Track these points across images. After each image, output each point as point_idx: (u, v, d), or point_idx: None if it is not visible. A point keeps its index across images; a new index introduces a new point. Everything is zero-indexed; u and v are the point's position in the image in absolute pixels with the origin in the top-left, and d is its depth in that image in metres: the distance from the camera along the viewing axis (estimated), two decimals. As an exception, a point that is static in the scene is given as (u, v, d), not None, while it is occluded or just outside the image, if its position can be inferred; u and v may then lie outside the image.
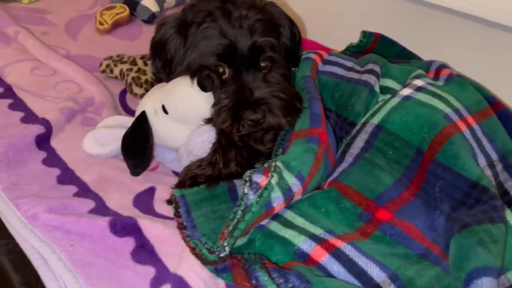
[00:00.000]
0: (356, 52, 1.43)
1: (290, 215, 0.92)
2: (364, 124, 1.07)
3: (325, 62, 1.21)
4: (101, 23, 1.74)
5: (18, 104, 1.27)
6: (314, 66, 1.18)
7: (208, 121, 1.01)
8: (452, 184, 0.91)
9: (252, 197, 0.81)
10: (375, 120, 1.05)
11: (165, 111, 1.01)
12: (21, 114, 1.23)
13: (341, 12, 1.70)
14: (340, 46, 1.61)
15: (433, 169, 0.95)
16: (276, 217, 0.91)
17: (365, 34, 1.41)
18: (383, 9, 1.60)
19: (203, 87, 0.98)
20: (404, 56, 1.45)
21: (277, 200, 0.87)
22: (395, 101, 1.06)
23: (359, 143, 1.04)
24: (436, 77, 1.21)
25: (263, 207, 0.85)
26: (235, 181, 0.97)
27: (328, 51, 1.43)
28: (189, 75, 0.99)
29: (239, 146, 0.99)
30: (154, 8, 1.84)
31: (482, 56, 1.41)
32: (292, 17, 1.11)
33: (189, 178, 0.96)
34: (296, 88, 1.10)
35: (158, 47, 1.05)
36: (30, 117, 1.23)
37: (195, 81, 0.98)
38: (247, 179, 0.83)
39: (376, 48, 1.44)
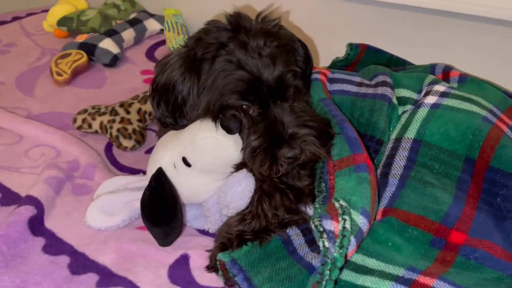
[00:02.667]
0: (344, 66, 1.37)
1: (359, 258, 0.81)
2: (398, 140, 0.99)
3: (332, 80, 1.13)
4: (59, 74, 1.55)
5: (-11, 184, 1.06)
6: (324, 87, 1.09)
7: (239, 167, 0.88)
8: (517, 190, 0.85)
9: (333, 250, 0.69)
10: (411, 135, 0.98)
11: (187, 164, 0.87)
12: (-3, 196, 1.02)
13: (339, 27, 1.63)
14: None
15: (490, 177, 0.88)
16: (345, 264, 0.79)
17: (351, 46, 1.35)
18: (359, 16, 1.56)
19: (229, 130, 0.85)
20: (394, 63, 1.41)
21: (351, 245, 0.75)
22: (424, 111, 1.00)
23: (400, 161, 0.96)
24: (446, 80, 1.17)
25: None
26: (288, 231, 0.85)
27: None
28: (210, 119, 0.86)
29: (283, 189, 0.87)
30: (115, 49, 1.67)
31: (478, 53, 1.40)
32: (302, 38, 1.02)
33: (235, 238, 0.82)
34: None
35: (164, 91, 0.91)
36: (9, 197, 1.02)
37: (219, 125, 0.85)
38: (321, 229, 0.70)
39: (364, 58, 1.39)
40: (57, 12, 1.89)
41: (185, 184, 0.89)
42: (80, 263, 0.85)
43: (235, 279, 0.77)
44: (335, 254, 0.69)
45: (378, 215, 0.91)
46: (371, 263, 0.79)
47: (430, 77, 1.11)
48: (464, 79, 1.14)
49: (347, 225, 0.72)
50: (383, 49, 1.40)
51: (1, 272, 0.80)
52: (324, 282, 0.66)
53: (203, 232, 0.96)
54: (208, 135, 0.85)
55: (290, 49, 0.94)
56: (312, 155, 0.87)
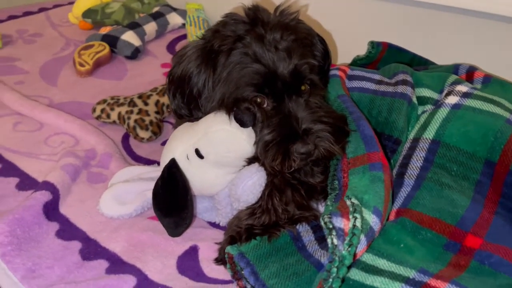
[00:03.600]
0: (364, 64, 1.35)
1: (369, 257, 0.79)
2: (416, 140, 0.97)
3: (351, 77, 1.11)
4: (81, 65, 1.57)
5: (9, 169, 1.08)
6: (343, 83, 1.08)
7: (251, 160, 0.87)
8: (538, 196, 0.82)
9: (341, 247, 0.68)
10: (429, 135, 0.95)
11: (200, 156, 0.87)
12: (16, 180, 1.05)
13: (359, 24, 1.61)
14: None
15: (511, 181, 0.85)
16: (355, 263, 0.78)
17: (373, 44, 1.32)
18: (382, 15, 1.53)
19: (242, 123, 0.84)
20: (416, 63, 1.38)
21: (361, 244, 0.74)
22: (444, 111, 0.97)
23: (416, 162, 0.94)
24: (470, 80, 1.14)
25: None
26: (297, 227, 0.84)
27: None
28: (224, 111, 0.85)
29: (294, 185, 0.86)
30: (136, 42, 1.69)
31: (488, 51, 1.36)
32: (321, 33, 1.00)
33: (245, 231, 0.81)
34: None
35: (180, 82, 0.91)
36: (27, 182, 1.04)
37: (232, 117, 0.84)
38: (330, 226, 0.69)
39: (385, 57, 1.36)
40: (83, 4, 1.92)
41: (197, 176, 0.89)
42: (92, 250, 0.86)
43: (242, 272, 0.76)
44: (343, 252, 0.67)
45: (392, 215, 0.90)
46: (382, 263, 0.77)
47: (453, 77, 1.08)
48: (488, 80, 1.10)
49: (358, 224, 0.71)
50: (405, 48, 1.37)
51: (13, 254, 0.81)
52: (330, 280, 0.65)
53: (214, 225, 0.96)
54: (222, 127, 0.84)
55: (308, 43, 0.93)
56: (326, 151, 0.86)
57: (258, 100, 0.86)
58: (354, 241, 0.69)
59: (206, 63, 0.88)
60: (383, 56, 1.36)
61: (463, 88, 1.01)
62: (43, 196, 0.93)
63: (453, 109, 0.97)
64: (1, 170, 1.08)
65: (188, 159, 0.89)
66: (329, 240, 0.68)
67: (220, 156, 0.86)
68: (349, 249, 0.68)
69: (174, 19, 1.89)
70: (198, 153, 0.87)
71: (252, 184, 0.84)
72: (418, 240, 0.83)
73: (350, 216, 0.72)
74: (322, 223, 0.71)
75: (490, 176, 0.88)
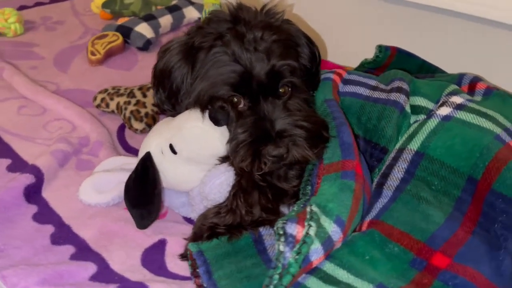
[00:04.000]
0: (372, 68, 1.31)
1: (329, 267, 0.77)
2: (401, 150, 0.93)
3: (346, 81, 1.08)
4: (93, 53, 1.61)
5: (4, 150, 1.13)
6: (334, 87, 1.05)
7: (224, 159, 0.87)
8: (517, 218, 0.77)
9: (289, 255, 0.66)
10: (414, 146, 0.92)
11: (174, 151, 0.87)
12: (8, 162, 1.09)
13: (351, 24, 1.58)
14: (349, 62, 1.49)
15: (491, 201, 0.81)
16: (314, 271, 0.76)
17: (381, 48, 1.28)
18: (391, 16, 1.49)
19: (216, 121, 0.84)
20: (426, 70, 1.33)
21: (316, 253, 0.72)
22: (433, 122, 0.93)
23: (397, 173, 0.91)
24: (471, 91, 1.09)
25: (301, 263, 0.70)
26: (261, 229, 0.83)
27: (341, 69, 1.30)
28: (199, 108, 0.85)
29: (262, 187, 0.85)
30: (149, 34, 1.72)
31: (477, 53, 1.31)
32: (311, 35, 0.98)
33: (206, 230, 0.82)
34: (318, 113, 0.97)
35: (161, 76, 0.92)
36: (18, 164, 1.08)
37: (207, 115, 0.84)
38: (281, 231, 0.68)
39: (394, 62, 1.32)
40: (104, -6, 1.96)
41: (171, 171, 0.89)
42: (63, 235, 0.89)
43: (197, 270, 0.76)
44: (290, 259, 0.66)
45: (364, 226, 0.87)
46: (341, 274, 0.76)
47: (451, 87, 1.03)
48: (489, 92, 1.05)
49: (311, 232, 0.69)
50: (416, 54, 1.33)
51: (-14, 233, 0.85)
52: (272, 286, 0.64)
53: (189, 220, 0.97)
54: (195, 124, 0.84)
55: (291, 44, 0.92)
56: (300, 156, 0.84)
57: (234, 99, 0.86)
58: (303, 249, 0.67)
59: (186, 59, 0.88)
60: (391, 61, 1.32)
61: (457, 99, 0.97)
62: (27, 179, 0.97)
63: (442, 121, 0.93)
64: (-4, 151, 1.13)
65: (162, 153, 0.89)
66: (276, 246, 0.67)
67: (193, 153, 0.86)
68: (297, 257, 0.66)
69: (191, 12, 1.90)
70: (172, 148, 0.88)
71: (220, 183, 0.83)
72: (385, 254, 0.80)
73: (306, 224, 0.71)
74: (275, 228, 0.70)
75: (472, 193, 0.84)
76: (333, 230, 0.74)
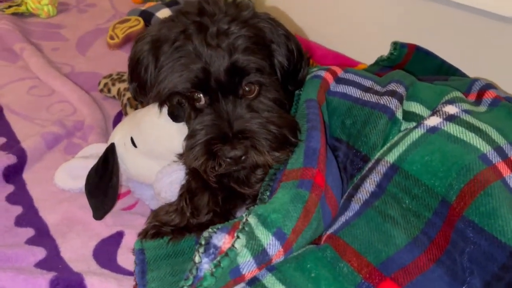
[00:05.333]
0: (387, 66, 1.22)
1: (269, 280, 0.73)
2: (378, 161, 0.85)
3: (339, 81, 1.00)
4: (112, 37, 1.64)
5: (2, 128, 1.18)
6: (323, 86, 0.98)
7: (182, 156, 0.84)
8: (486, 251, 0.68)
9: (206, 266, 0.63)
10: (391, 158, 0.83)
11: (134, 144, 0.86)
12: (3, 140, 1.14)
13: (367, 20, 1.48)
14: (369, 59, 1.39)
15: (461, 228, 0.72)
16: (253, 282, 0.72)
17: (396, 45, 1.18)
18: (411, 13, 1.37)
19: (174, 117, 0.82)
20: (445, 71, 1.21)
21: (247, 266, 0.68)
22: (417, 133, 0.84)
23: (369, 186, 0.83)
24: (478, 100, 0.97)
25: (227, 275, 0.66)
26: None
27: (354, 66, 1.22)
28: (158, 103, 0.83)
29: (213, 189, 0.81)
30: (169, 19, 1.71)
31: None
32: (291, 28, 0.91)
33: (152, 227, 0.80)
34: (297, 114, 0.91)
35: (132, 66, 0.90)
36: (11, 143, 1.13)
37: (165, 110, 0.82)
38: (203, 241, 0.65)
39: (411, 61, 1.21)
40: (136, -22, 1.99)
41: (132, 164, 0.89)
42: (28, 217, 0.91)
43: (134, 269, 0.75)
44: (206, 272, 0.62)
45: (322, 239, 0.81)
46: (279, 290, 0.71)
47: (452, 94, 0.92)
48: (496, 102, 0.93)
49: (237, 245, 0.65)
50: (434, 53, 1.22)
51: (-44, 209, 0.90)
52: (181, 300, 0.61)
53: (155, 214, 0.96)
54: (151, 119, 0.83)
55: (261, 40, 0.85)
56: (259, 160, 0.80)
57: (195, 96, 0.82)
58: (223, 262, 0.63)
59: (151, 51, 0.86)
60: (409, 59, 1.22)
61: (451, 109, 0.86)
62: (8, 159, 1.01)
63: (427, 133, 0.83)
64: (-5, 129, 1.18)
65: (125, 145, 0.89)
66: (193, 256, 0.64)
67: (149, 148, 0.85)
68: (214, 269, 0.63)
69: (216, -1, 1.87)
70: (132, 141, 0.87)
71: (170, 182, 0.81)
72: (334, 273, 0.74)
73: (235, 235, 0.67)
74: (201, 236, 0.67)
75: (443, 217, 0.75)
76: (270, 243, 0.69)
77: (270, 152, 0.80)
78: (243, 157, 0.79)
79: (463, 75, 1.20)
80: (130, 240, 0.88)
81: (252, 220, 0.70)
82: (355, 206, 0.82)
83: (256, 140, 0.79)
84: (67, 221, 0.91)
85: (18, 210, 0.93)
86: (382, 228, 0.77)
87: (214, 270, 0.63)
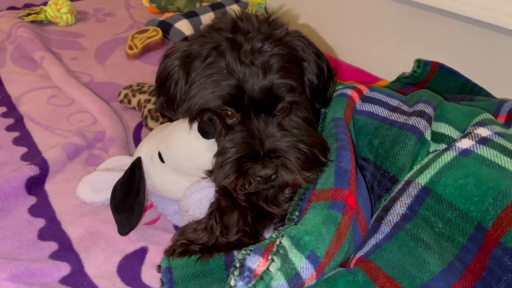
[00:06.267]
0: (409, 84, 1.21)
1: (300, 305, 0.71)
2: (408, 183, 0.84)
3: (365, 99, 0.99)
4: (130, 47, 1.64)
5: (23, 138, 1.18)
6: (349, 105, 0.97)
7: (210, 173, 0.83)
8: (525, 282, 0.66)
9: (241, 290, 0.61)
10: (422, 180, 0.82)
11: (162, 159, 0.85)
12: (24, 150, 1.13)
13: (390, 37, 1.48)
14: (388, 76, 1.39)
15: (498, 256, 0.70)
16: (282, 306, 0.71)
17: (419, 63, 1.17)
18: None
19: (204, 133, 0.80)
20: (468, 91, 1.20)
21: (280, 289, 0.66)
22: (450, 155, 0.82)
23: (399, 208, 0.81)
24: (508, 122, 0.96)
25: (260, 299, 0.65)
26: (235, 253, 0.78)
27: (375, 82, 1.21)
28: (188, 119, 0.82)
29: (243, 208, 0.80)
30: (188, 31, 1.72)
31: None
32: (322, 47, 0.91)
33: (179, 245, 0.79)
34: (324, 133, 0.90)
35: (161, 81, 0.90)
36: (32, 153, 1.12)
37: (194, 126, 0.81)
38: (237, 264, 0.63)
39: (434, 79, 1.20)
40: (154, -11, 2.00)
41: (159, 179, 0.88)
42: (51, 230, 0.90)
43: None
44: (241, 296, 0.61)
45: (352, 262, 0.80)
46: (311, 315, 0.69)
47: (483, 116, 0.91)
48: (528, 125, 0.91)
49: (272, 268, 0.64)
50: (459, 72, 1.21)
51: (-21, 220, 0.88)
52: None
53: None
54: (179, 135, 0.82)
55: (293, 59, 0.85)
56: (289, 179, 0.79)
57: (227, 113, 0.81)
58: (258, 286, 0.62)
59: (183, 66, 0.85)
60: (432, 77, 1.21)
61: (483, 131, 0.85)
62: (31, 170, 1.00)
63: (460, 155, 0.82)
64: (17, 138, 1.18)
65: (152, 160, 0.88)
66: (228, 279, 0.62)
67: (177, 163, 0.83)
68: (249, 294, 0.61)
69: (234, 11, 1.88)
70: (160, 156, 0.86)
71: (199, 199, 0.80)
72: (366, 298, 0.72)
73: (269, 257, 0.65)
74: (236, 258, 0.65)
75: (479, 243, 0.73)
76: (303, 266, 0.68)
77: (300, 172, 0.79)
78: (273, 176, 0.78)
79: (487, 94, 1.19)
80: (153, 256, 0.87)
81: (285, 242, 0.68)
82: (385, 228, 0.81)
83: (287, 159, 0.78)
84: (90, 236, 0.90)
85: (41, 223, 0.92)
86: (414, 253, 0.75)
87: (249, 295, 0.61)
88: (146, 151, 0.88)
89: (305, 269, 0.68)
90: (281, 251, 0.66)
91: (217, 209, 0.79)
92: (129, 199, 0.84)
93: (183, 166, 0.83)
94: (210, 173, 0.83)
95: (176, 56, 0.87)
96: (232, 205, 0.80)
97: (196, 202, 0.80)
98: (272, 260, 0.65)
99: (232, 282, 0.62)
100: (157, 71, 0.93)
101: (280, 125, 0.82)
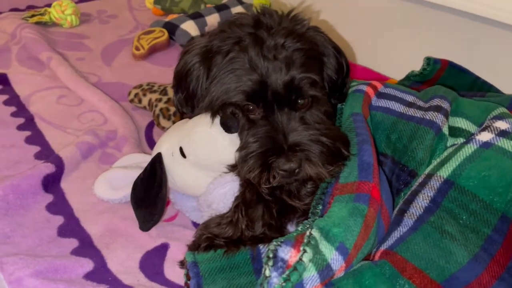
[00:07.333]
0: (418, 82, 1.22)
1: (328, 298, 0.71)
2: (429, 176, 0.84)
3: (380, 95, 1.00)
4: (137, 48, 1.64)
5: (36, 137, 1.17)
6: (366, 101, 0.98)
7: (233, 168, 0.83)
8: (553, 269, 0.67)
9: (276, 280, 0.61)
10: (444, 173, 0.82)
11: (183, 155, 0.85)
12: (37, 149, 1.12)
13: (397, 35, 1.49)
14: (398, 74, 1.40)
15: (524, 245, 0.71)
16: (311, 298, 0.70)
17: (429, 61, 1.19)
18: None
19: (227, 128, 0.80)
20: (478, 88, 1.21)
21: (311, 281, 0.66)
22: (470, 148, 0.83)
23: (422, 201, 0.82)
24: (523, 116, 0.97)
25: (292, 291, 0.65)
26: (261, 246, 0.78)
27: (383, 81, 1.21)
28: (210, 114, 0.82)
29: (268, 202, 0.80)
30: (194, 32, 1.72)
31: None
32: (339, 43, 0.92)
33: (205, 240, 0.78)
34: (342, 128, 0.90)
35: (180, 78, 0.90)
36: (45, 152, 1.11)
37: (217, 121, 0.81)
38: (271, 254, 0.63)
39: (444, 77, 1.22)
40: (157, -10, 2.00)
41: (180, 175, 0.87)
42: (70, 227, 0.89)
43: (188, 282, 0.73)
44: (276, 286, 0.61)
45: (377, 255, 0.80)
46: (339, 308, 0.69)
47: (499, 110, 0.92)
48: (542, 119, 0.92)
49: (305, 258, 0.64)
50: (469, 70, 1.22)
51: (-3, 217, 0.87)
52: (252, 313, 0.60)
53: (197, 226, 0.94)
54: (203, 129, 0.81)
55: (316, 54, 0.85)
56: (313, 173, 0.79)
57: (249, 108, 0.81)
58: (292, 276, 0.62)
59: (203, 62, 0.85)
60: (441, 75, 1.22)
61: (502, 124, 0.86)
62: (47, 168, 0.99)
63: (481, 148, 0.83)
64: (29, 137, 1.17)
65: (172, 156, 0.87)
66: (263, 270, 0.62)
67: (199, 158, 0.83)
68: (284, 284, 0.61)
69: (239, 12, 1.88)
70: (181, 151, 0.86)
71: (224, 193, 0.80)
72: (394, 290, 0.72)
73: (301, 248, 0.65)
74: (267, 249, 0.65)
75: (504, 234, 0.74)
76: (334, 258, 0.68)
77: (324, 165, 0.79)
78: (296, 170, 0.78)
79: (497, 91, 1.20)
80: (175, 253, 0.86)
81: (315, 233, 0.68)
82: (408, 221, 0.81)
83: (311, 153, 0.78)
84: (110, 233, 0.89)
85: (59, 220, 0.91)
86: (440, 245, 0.75)
87: (284, 284, 0.61)
88: (166, 146, 0.88)
89: (335, 260, 0.68)
90: (312, 242, 0.66)
91: (243, 203, 0.79)
92: (151, 194, 0.83)
93: (206, 160, 0.83)
94: (232, 167, 0.83)
95: (196, 52, 0.88)
96: (257, 199, 0.79)
97: (220, 196, 0.80)
98: (305, 251, 0.65)
99: (267, 272, 0.61)
100: (175, 67, 0.93)
101: (303, 119, 0.82)
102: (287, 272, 0.62)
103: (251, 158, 0.78)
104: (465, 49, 1.35)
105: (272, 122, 0.80)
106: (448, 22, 1.35)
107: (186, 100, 0.90)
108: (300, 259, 0.64)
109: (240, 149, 0.80)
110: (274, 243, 0.66)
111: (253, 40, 0.81)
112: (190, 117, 0.92)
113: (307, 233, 0.68)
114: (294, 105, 0.81)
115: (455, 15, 1.33)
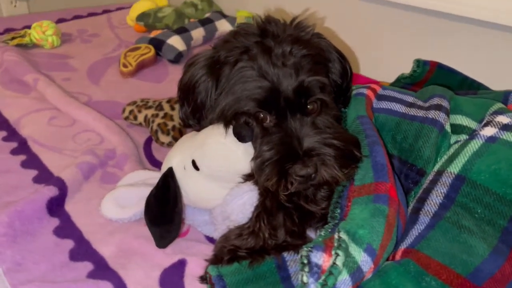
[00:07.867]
0: (409, 84, 1.25)
1: (358, 299, 0.71)
2: (440, 173, 0.86)
3: (380, 97, 1.02)
4: (125, 65, 1.62)
5: (32, 161, 1.13)
6: (368, 103, 0.99)
7: (248, 177, 0.83)
8: None
9: (313, 286, 0.61)
10: (455, 169, 0.84)
11: (196, 167, 0.84)
12: (34, 173, 1.09)
13: (387, 39, 1.53)
14: (386, 77, 1.43)
15: (542, 234, 0.73)
16: (340, 303, 0.70)
17: (419, 63, 1.22)
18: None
19: (241, 137, 0.80)
20: (467, 86, 1.25)
21: (344, 284, 0.66)
22: (477, 143, 0.86)
23: (436, 198, 0.83)
24: (518, 110, 1.00)
25: (327, 296, 0.64)
26: (285, 254, 0.77)
27: (377, 83, 1.24)
28: (222, 124, 0.82)
29: (288, 209, 0.80)
30: (181, 47, 1.71)
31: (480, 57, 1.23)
32: (342, 49, 0.93)
33: (227, 252, 0.77)
34: (350, 131, 0.92)
35: (186, 90, 0.89)
36: (44, 175, 1.08)
37: (230, 131, 0.80)
38: (305, 260, 0.63)
39: (433, 78, 1.25)
40: (139, 7, 1.99)
41: (193, 187, 0.86)
42: (81, 250, 0.86)
43: (216, 295, 0.72)
44: (314, 291, 0.60)
45: (398, 255, 0.80)
46: (371, 308, 0.69)
47: (497, 106, 0.95)
48: (537, 113, 0.96)
49: (338, 262, 0.64)
50: (457, 70, 1.26)
51: (6, 246, 0.84)
52: (293, 321, 0.59)
53: (211, 240, 0.92)
54: (216, 140, 0.81)
55: (321, 59, 0.87)
56: (329, 176, 0.79)
57: (261, 115, 0.81)
58: (329, 281, 0.61)
59: (211, 73, 0.85)
60: (431, 77, 1.25)
61: (503, 119, 0.89)
62: (50, 191, 0.96)
63: (487, 142, 0.85)
64: (24, 161, 1.13)
65: (185, 169, 0.86)
66: (299, 277, 0.62)
67: (214, 170, 0.82)
68: (321, 290, 0.61)
69: (223, 25, 1.89)
70: (194, 164, 0.84)
71: (242, 203, 0.79)
72: (420, 287, 0.73)
73: (333, 252, 0.65)
74: (299, 256, 0.65)
75: (519, 224, 0.76)
76: (363, 260, 0.68)
77: (339, 169, 0.80)
78: (313, 175, 0.78)
79: (486, 89, 1.24)
80: (193, 268, 0.84)
81: (344, 236, 0.68)
82: (425, 218, 0.82)
83: (327, 157, 0.79)
84: (124, 253, 0.86)
85: (69, 244, 0.88)
86: (460, 239, 0.77)
87: (322, 290, 0.61)
88: (177, 160, 0.87)
89: (365, 262, 0.69)
90: (343, 245, 0.66)
91: (264, 211, 0.78)
92: (167, 210, 0.82)
93: (220, 171, 0.82)
94: (248, 177, 0.83)
95: (203, 64, 0.87)
96: (277, 207, 0.79)
97: (239, 207, 0.79)
98: (337, 255, 0.65)
99: (305, 279, 0.61)
100: (180, 80, 0.92)
101: (314, 124, 0.83)
102: (323, 277, 0.62)
103: (268, 166, 0.78)
104: (470, 54, 1.37)
105: (285, 128, 0.80)
106: (453, 30, 1.38)
107: (194, 112, 0.89)
108: (334, 263, 0.64)
109: (255, 157, 0.80)
110: (305, 249, 0.65)
111: (261, 49, 0.81)
112: (198, 130, 0.92)
113: (336, 236, 0.68)
114: (305, 110, 0.82)
115: (460, 22, 1.35)
